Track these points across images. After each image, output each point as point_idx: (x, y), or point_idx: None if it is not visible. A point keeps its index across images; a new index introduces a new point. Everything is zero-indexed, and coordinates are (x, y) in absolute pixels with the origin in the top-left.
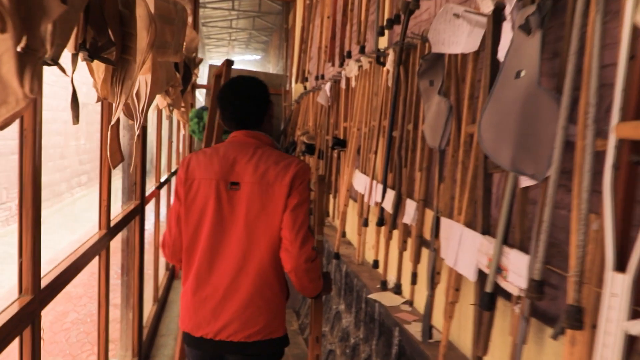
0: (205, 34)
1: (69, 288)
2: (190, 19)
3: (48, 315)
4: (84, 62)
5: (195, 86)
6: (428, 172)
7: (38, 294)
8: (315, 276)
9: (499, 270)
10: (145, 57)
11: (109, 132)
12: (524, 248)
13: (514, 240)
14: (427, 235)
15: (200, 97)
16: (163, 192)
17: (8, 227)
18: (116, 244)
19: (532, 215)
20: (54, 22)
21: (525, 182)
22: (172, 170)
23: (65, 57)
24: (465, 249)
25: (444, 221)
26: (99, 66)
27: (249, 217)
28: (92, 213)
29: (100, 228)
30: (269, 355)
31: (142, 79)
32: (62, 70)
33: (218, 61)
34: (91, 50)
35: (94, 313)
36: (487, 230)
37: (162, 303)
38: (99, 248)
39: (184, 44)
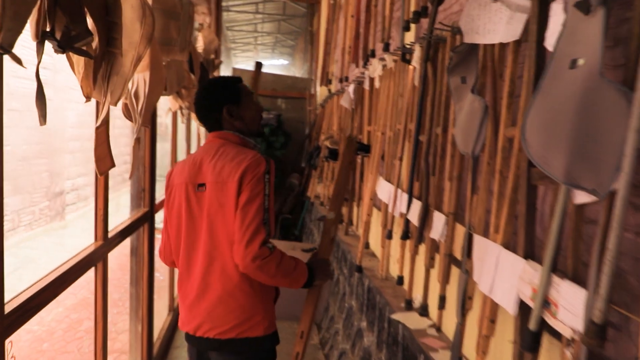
0: (231, 38)
1: (86, 294)
2: (208, 20)
3: (62, 323)
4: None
5: None
6: (459, 182)
7: (1, 321)
8: (275, 272)
9: (547, 304)
10: (141, 52)
11: (94, 136)
12: (578, 279)
13: (565, 268)
14: (458, 253)
15: None
16: None
17: (31, 231)
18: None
19: (588, 237)
20: (2, 1)
21: (581, 197)
22: None
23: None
24: (503, 274)
25: (478, 239)
26: (79, 60)
27: (210, 217)
28: (116, 217)
29: (95, 239)
30: (251, 354)
31: (141, 78)
32: (17, 61)
33: (244, 65)
34: (63, 40)
35: (109, 322)
36: (530, 253)
37: (178, 312)
38: (93, 261)
39: (203, 45)
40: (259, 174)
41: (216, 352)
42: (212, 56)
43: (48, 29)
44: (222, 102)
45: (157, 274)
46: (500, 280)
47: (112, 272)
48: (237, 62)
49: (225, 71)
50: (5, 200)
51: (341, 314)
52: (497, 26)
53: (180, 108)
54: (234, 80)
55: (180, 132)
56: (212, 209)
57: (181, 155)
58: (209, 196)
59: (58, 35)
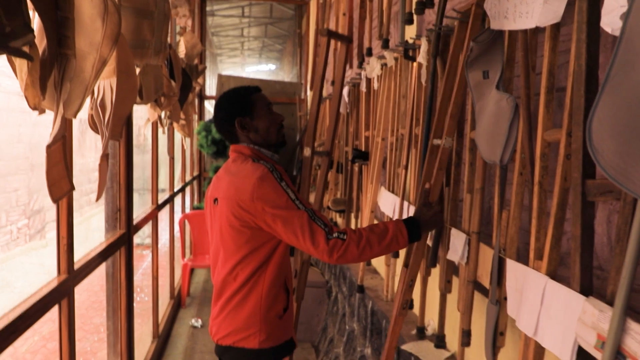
0: (217, 44)
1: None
2: (190, 22)
3: (37, 354)
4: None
5: (204, 97)
6: (482, 195)
7: None
8: (361, 252)
9: (620, 356)
10: (105, 55)
11: (45, 156)
12: None
13: None
14: (483, 279)
15: (211, 109)
16: (164, 213)
17: (9, 252)
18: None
19: None
20: None
21: None
22: (176, 189)
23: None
24: (553, 313)
25: (513, 265)
26: (22, 64)
27: (222, 231)
28: (100, 233)
29: (59, 273)
30: None
31: (107, 84)
32: None
33: (231, 72)
34: None
35: (87, 351)
36: (588, 288)
37: (164, 338)
38: (55, 299)
39: (185, 50)
40: (271, 191)
41: (220, 358)
42: (196, 62)
43: None
44: (233, 114)
45: (142, 295)
46: (549, 320)
47: (93, 294)
48: (223, 68)
49: (210, 78)
50: None
51: (341, 337)
52: (531, 7)
53: (160, 118)
54: (247, 91)
55: (163, 143)
56: (223, 223)
57: (163, 168)
58: (219, 211)
59: None
